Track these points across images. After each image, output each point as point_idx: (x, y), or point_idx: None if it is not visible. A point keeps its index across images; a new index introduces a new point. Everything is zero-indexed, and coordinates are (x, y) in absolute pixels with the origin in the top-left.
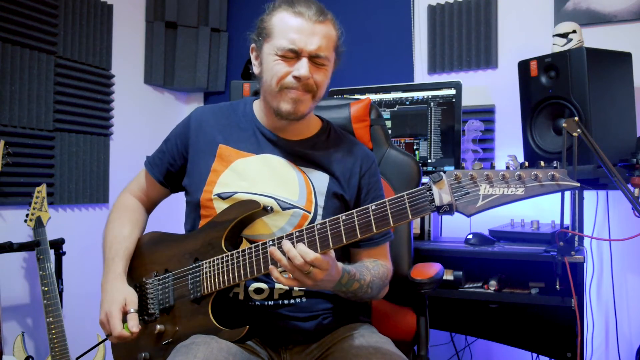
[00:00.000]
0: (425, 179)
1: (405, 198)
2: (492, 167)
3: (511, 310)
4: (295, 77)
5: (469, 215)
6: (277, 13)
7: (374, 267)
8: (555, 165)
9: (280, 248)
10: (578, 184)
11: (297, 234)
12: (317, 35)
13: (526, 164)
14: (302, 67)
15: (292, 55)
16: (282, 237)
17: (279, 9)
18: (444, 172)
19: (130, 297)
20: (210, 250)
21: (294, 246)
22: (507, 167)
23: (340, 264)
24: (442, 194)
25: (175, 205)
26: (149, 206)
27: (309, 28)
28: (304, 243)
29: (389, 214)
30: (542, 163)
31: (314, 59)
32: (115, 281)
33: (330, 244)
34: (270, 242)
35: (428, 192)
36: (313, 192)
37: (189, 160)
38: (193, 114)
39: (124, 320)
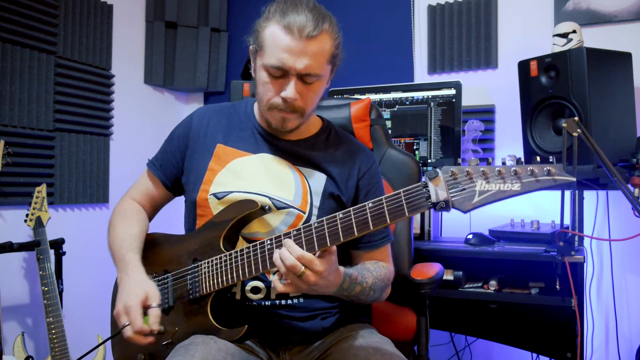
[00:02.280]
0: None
1: (401, 195)
2: (489, 163)
3: (511, 310)
4: (283, 98)
5: (465, 211)
6: (270, 25)
7: (376, 268)
8: (551, 160)
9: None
10: (574, 179)
11: (294, 232)
12: (307, 55)
13: (522, 160)
14: (289, 89)
15: (281, 74)
16: (280, 236)
17: (272, 21)
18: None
19: (152, 290)
20: (209, 250)
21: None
22: (503, 163)
23: (341, 268)
24: (438, 191)
25: (174, 205)
26: (151, 212)
27: (298, 47)
28: (302, 241)
29: (386, 211)
30: (538, 158)
31: (304, 77)
32: (135, 274)
33: (328, 242)
34: (268, 242)
35: (424, 189)
36: (309, 192)
37: (186, 159)
38: (195, 114)
39: (145, 314)
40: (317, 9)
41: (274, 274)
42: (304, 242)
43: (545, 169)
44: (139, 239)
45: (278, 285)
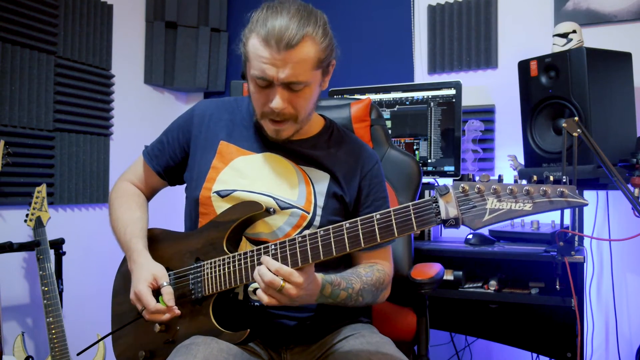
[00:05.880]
0: (426, 180)
1: (410, 209)
2: (500, 180)
3: (511, 310)
4: (271, 108)
5: (475, 230)
6: (252, 37)
7: (367, 273)
8: (564, 181)
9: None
10: (587, 202)
11: (299, 239)
12: (289, 64)
13: (535, 177)
14: (275, 100)
15: (266, 84)
16: (285, 242)
17: (254, 32)
18: (457, 178)
19: (159, 271)
20: (212, 250)
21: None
22: (516, 181)
23: (319, 275)
24: (448, 207)
25: (174, 204)
26: (148, 195)
27: (277, 58)
28: (307, 248)
29: (394, 225)
30: (552, 178)
31: (290, 86)
32: (139, 259)
33: (334, 251)
34: (273, 246)
35: (434, 205)
36: (313, 192)
37: (190, 155)
38: (196, 107)
39: (158, 295)
40: (300, 13)
41: None
42: (309, 250)
43: (558, 190)
44: (140, 222)
45: (263, 297)
